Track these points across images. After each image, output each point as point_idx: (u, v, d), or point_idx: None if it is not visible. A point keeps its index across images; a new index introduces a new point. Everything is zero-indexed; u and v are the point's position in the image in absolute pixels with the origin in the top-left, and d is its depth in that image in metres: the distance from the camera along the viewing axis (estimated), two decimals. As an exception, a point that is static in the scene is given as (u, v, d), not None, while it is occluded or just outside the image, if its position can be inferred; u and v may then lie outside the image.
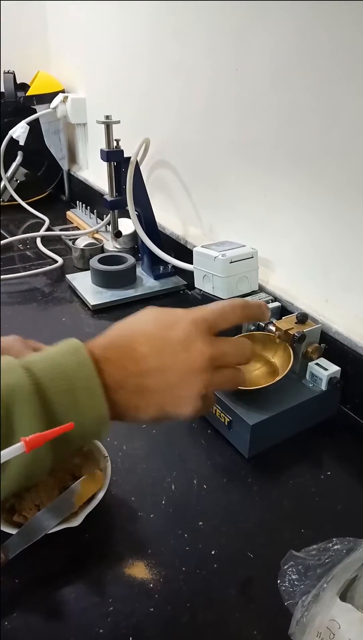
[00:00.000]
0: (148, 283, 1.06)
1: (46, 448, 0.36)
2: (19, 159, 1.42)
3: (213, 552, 0.52)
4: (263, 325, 0.74)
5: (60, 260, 1.15)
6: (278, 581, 0.46)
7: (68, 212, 1.43)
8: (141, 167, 1.05)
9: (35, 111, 1.41)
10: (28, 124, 1.34)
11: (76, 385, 0.38)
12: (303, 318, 0.70)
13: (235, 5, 0.80)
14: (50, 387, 0.37)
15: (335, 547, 0.46)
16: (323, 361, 0.67)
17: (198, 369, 0.41)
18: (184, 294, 1.05)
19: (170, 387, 0.41)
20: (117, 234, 1.12)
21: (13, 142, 1.35)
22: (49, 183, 1.56)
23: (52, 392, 0.37)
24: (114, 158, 1.02)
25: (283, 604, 0.44)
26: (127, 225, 1.14)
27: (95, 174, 1.48)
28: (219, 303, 0.44)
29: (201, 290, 0.81)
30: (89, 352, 0.40)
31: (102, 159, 1.02)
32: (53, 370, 0.38)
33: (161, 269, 1.08)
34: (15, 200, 1.41)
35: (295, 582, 0.45)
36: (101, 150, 1.02)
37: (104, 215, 1.25)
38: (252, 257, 0.78)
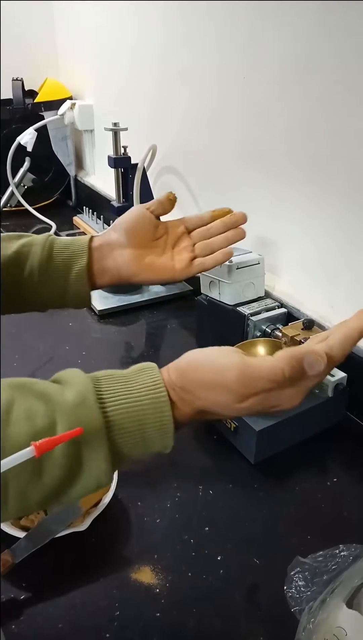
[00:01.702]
0: (154, 288, 1.06)
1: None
2: (26, 164, 1.43)
3: (219, 558, 0.52)
4: (269, 331, 0.74)
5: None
6: (285, 587, 0.45)
7: (75, 218, 1.44)
8: (148, 173, 1.06)
9: (43, 118, 1.42)
10: (36, 130, 1.35)
11: (147, 421, 0.40)
12: (309, 324, 0.70)
13: (243, 13, 0.81)
14: (122, 426, 0.39)
15: (342, 553, 0.46)
16: (329, 367, 0.67)
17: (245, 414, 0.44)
18: (190, 300, 1.05)
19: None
20: (124, 240, 1.12)
21: (21, 148, 1.36)
22: (56, 189, 1.57)
23: (122, 430, 0.39)
24: (122, 164, 1.03)
25: (290, 611, 0.44)
26: (133, 231, 1.15)
27: (102, 179, 1.49)
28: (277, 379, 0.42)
29: (207, 296, 0.81)
30: (167, 388, 0.41)
31: (109, 165, 1.03)
32: (129, 409, 0.39)
33: (167, 274, 1.08)
34: (23, 206, 1.42)
35: (302, 589, 0.45)
36: (109, 157, 1.03)
37: (111, 221, 1.26)
38: (258, 264, 0.78)
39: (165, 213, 0.69)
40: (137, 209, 0.68)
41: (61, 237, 0.65)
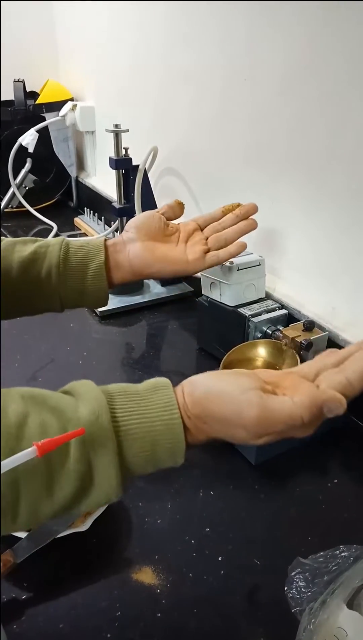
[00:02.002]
0: (155, 289, 1.06)
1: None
2: (28, 165, 1.43)
3: (219, 559, 0.52)
4: (270, 332, 0.74)
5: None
6: (285, 588, 0.46)
7: (76, 219, 1.44)
8: (149, 175, 1.06)
9: (44, 119, 1.43)
10: (37, 131, 1.35)
11: (159, 444, 0.40)
12: (310, 326, 0.70)
13: (244, 13, 0.81)
14: (133, 446, 0.39)
15: (342, 554, 0.46)
16: (330, 369, 0.67)
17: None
18: (191, 301, 1.05)
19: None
20: (125, 241, 1.12)
21: (22, 149, 1.36)
22: (58, 190, 1.58)
23: (133, 450, 0.39)
24: (123, 166, 1.03)
25: (290, 611, 0.44)
26: (134, 232, 1.15)
27: (103, 181, 1.49)
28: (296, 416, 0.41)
29: (208, 297, 0.81)
30: (181, 412, 0.41)
31: (111, 166, 1.03)
32: (141, 430, 0.39)
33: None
34: (24, 207, 1.43)
35: (302, 589, 0.45)
36: (110, 158, 1.03)
37: (112, 222, 1.26)
38: (259, 265, 0.78)
39: (175, 217, 0.71)
40: (147, 212, 0.70)
41: (75, 240, 0.66)
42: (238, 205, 0.71)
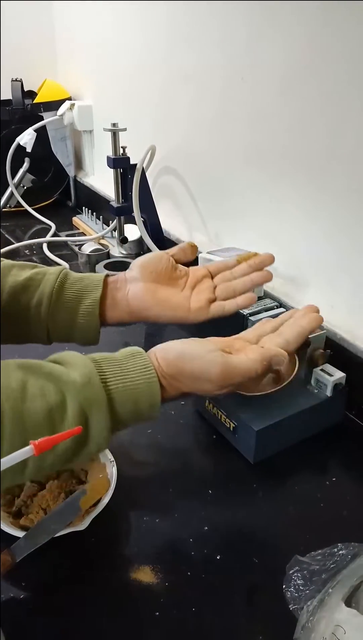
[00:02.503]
0: (153, 289, 1.06)
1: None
2: (26, 165, 1.43)
3: (218, 557, 0.52)
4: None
5: (66, 265, 1.16)
6: (284, 586, 0.46)
7: (74, 218, 1.44)
8: (147, 174, 1.06)
9: (42, 118, 1.42)
10: (35, 130, 1.35)
11: (141, 400, 0.47)
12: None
13: (245, 13, 0.81)
14: (120, 403, 0.46)
15: (341, 552, 0.46)
16: (328, 367, 0.67)
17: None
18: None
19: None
20: (123, 240, 1.12)
21: (20, 148, 1.36)
22: (56, 189, 1.57)
23: (120, 406, 0.46)
24: (121, 165, 1.03)
25: (289, 609, 0.44)
26: (133, 231, 1.15)
27: (101, 180, 1.49)
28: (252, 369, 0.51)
29: (206, 296, 0.81)
30: (157, 373, 0.49)
31: (108, 165, 1.03)
32: (126, 389, 0.47)
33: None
34: (22, 206, 1.42)
35: (300, 587, 0.45)
36: (108, 157, 1.03)
37: (110, 222, 1.26)
38: (257, 264, 0.78)
39: (186, 260, 0.68)
40: (156, 252, 0.67)
41: (76, 273, 0.63)
42: (255, 254, 0.67)
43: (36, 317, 0.60)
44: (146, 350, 0.51)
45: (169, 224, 1.13)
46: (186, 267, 0.67)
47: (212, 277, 0.67)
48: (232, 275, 0.66)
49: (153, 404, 0.48)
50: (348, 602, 0.42)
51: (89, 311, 0.61)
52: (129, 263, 1.07)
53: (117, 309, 0.62)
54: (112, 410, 0.46)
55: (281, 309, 0.78)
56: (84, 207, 1.44)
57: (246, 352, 0.53)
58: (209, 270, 0.67)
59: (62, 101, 1.45)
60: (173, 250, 0.67)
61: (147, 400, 0.47)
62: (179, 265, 0.67)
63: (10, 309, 0.59)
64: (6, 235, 1.36)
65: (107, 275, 0.63)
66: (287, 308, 0.80)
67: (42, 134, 1.40)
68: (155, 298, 0.62)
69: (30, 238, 1.34)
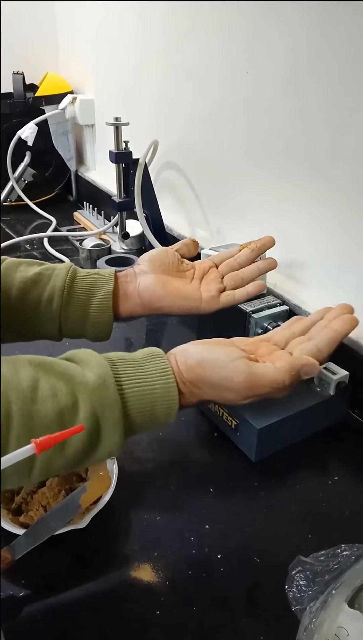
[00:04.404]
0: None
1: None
2: (27, 159, 1.42)
3: (219, 556, 0.51)
4: (271, 328, 0.74)
5: (67, 261, 1.15)
6: (286, 587, 0.45)
7: (75, 213, 1.43)
8: (149, 169, 1.06)
9: (43, 112, 1.42)
10: (36, 124, 1.34)
11: (157, 405, 0.45)
12: (311, 322, 0.69)
13: (247, 8, 0.80)
14: (135, 408, 0.44)
15: (344, 553, 0.46)
16: (331, 365, 0.66)
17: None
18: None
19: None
20: (125, 235, 1.12)
21: (21, 142, 1.35)
22: (57, 184, 1.57)
23: (135, 411, 0.44)
24: (123, 160, 1.02)
25: (291, 610, 0.44)
26: (134, 227, 1.14)
27: (103, 175, 1.48)
28: (278, 383, 0.49)
29: (208, 292, 0.81)
30: (176, 377, 0.46)
31: (111, 160, 1.02)
32: (142, 393, 0.44)
33: (168, 270, 1.08)
34: (23, 201, 1.42)
35: (303, 588, 0.44)
36: (110, 152, 1.02)
37: (112, 217, 1.25)
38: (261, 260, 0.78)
39: (189, 255, 0.69)
40: (161, 247, 0.68)
41: (83, 269, 0.63)
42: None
43: (47, 312, 0.59)
44: (166, 352, 0.49)
45: (171, 219, 1.13)
46: (190, 262, 0.68)
47: (217, 267, 0.68)
48: (236, 262, 0.67)
49: (170, 411, 0.46)
50: (352, 604, 0.42)
51: (102, 305, 0.60)
52: (131, 258, 1.07)
53: (129, 302, 0.62)
54: (126, 415, 0.44)
55: (284, 307, 0.78)
56: (85, 202, 1.43)
57: (273, 359, 0.50)
58: (214, 262, 0.68)
59: (63, 95, 1.44)
60: (176, 246, 0.68)
61: (164, 406, 0.45)
62: (185, 259, 0.67)
63: (21, 304, 0.58)
64: (7, 230, 1.35)
65: (116, 270, 0.64)
66: (290, 306, 0.79)
67: (43, 127, 1.39)
68: (166, 289, 0.62)
69: (31, 233, 1.33)
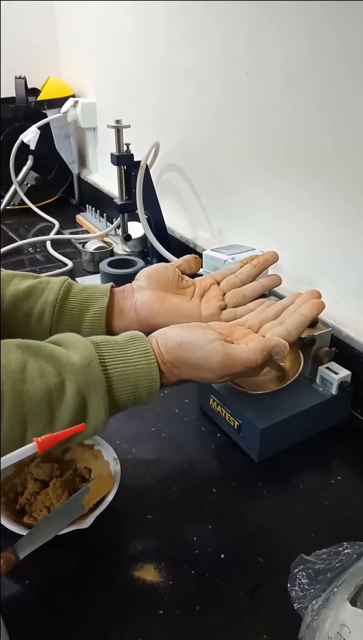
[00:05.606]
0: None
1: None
2: (29, 163, 1.43)
3: (222, 556, 0.51)
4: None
5: (70, 263, 1.16)
6: (288, 585, 0.45)
7: (78, 216, 1.44)
8: (150, 171, 1.06)
9: (46, 116, 1.42)
10: (39, 128, 1.35)
11: (140, 384, 0.48)
12: (313, 322, 0.69)
13: (247, 10, 0.81)
14: (119, 387, 0.47)
15: (346, 551, 0.46)
16: (333, 365, 0.66)
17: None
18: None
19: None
20: (127, 238, 1.12)
21: (24, 146, 1.36)
22: (59, 187, 1.57)
23: (119, 390, 0.47)
24: (124, 162, 1.02)
25: (293, 608, 0.44)
26: (136, 229, 1.15)
27: (105, 177, 1.49)
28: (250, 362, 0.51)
29: (210, 293, 0.81)
30: (156, 356, 0.49)
31: (112, 162, 1.03)
32: (125, 373, 0.47)
33: (170, 272, 1.08)
34: (26, 204, 1.42)
35: (305, 586, 0.44)
36: (112, 155, 1.02)
37: (114, 219, 1.26)
38: (262, 261, 0.78)
39: (190, 272, 0.68)
40: (161, 263, 0.67)
41: (79, 284, 0.62)
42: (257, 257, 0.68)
43: (38, 326, 0.59)
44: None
45: (172, 221, 1.13)
46: (191, 279, 0.67)
47: (219, 285, 0.67)
48: (238, 278, 0.66)
49: (151, 389, 0.48)
50: (354, 602, 0.42)
51: (95, 320, 0.60)
52: (133, 260, 1.07)
53: (124, 318, 0.61)
54: (111, 394, 0.46)
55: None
56: (87, 205, 1.43)
57: (247, 341, 0.53)
58: (216, 279, 0.67)
59: (65, 98, 1.45)
60: (177, 262, 0.67)
61: (146, 385, 0.48)
62: (185, 276, 0.67)
63: (11, 317, 0.58)
64: (10, 233, 1.35)
65: (113, 286, 0.63)
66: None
67: (45, 131, 1.40)
68: (163, 305, 0.62)
69: (34, 236, 1.33)
